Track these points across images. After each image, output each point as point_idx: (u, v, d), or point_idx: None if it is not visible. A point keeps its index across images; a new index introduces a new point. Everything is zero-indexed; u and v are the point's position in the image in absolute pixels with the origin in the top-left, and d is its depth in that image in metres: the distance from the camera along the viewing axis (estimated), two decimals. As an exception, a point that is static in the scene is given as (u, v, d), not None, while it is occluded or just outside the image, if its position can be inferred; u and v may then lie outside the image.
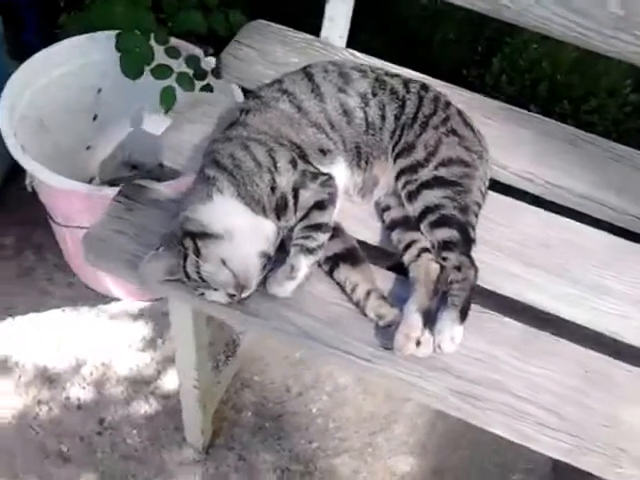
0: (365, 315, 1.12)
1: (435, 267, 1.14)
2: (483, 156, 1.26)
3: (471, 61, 2.02)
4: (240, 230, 1.09)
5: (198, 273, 1.07)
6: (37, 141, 1.75)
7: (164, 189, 1.24)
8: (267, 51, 1.50)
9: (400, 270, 1.19)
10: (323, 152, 1.20)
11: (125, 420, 1.70)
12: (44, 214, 1.78)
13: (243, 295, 1.08)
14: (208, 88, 1.64)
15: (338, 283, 1.14)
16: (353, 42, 1.59)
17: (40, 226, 1.88)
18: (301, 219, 1.13)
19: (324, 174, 1.17)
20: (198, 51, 1.72)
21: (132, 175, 2.03)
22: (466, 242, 1.15)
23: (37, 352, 1.78)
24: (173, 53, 1.66)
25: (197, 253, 1.06)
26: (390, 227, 1.22)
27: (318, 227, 1.12)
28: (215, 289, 1.08)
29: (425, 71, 1.48)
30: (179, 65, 1.66)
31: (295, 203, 1.13)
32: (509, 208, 1.29)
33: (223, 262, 1.06)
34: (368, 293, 1.12)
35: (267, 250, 1.11)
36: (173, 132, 1.33)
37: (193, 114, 1.36)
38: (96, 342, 1.80)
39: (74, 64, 1.80)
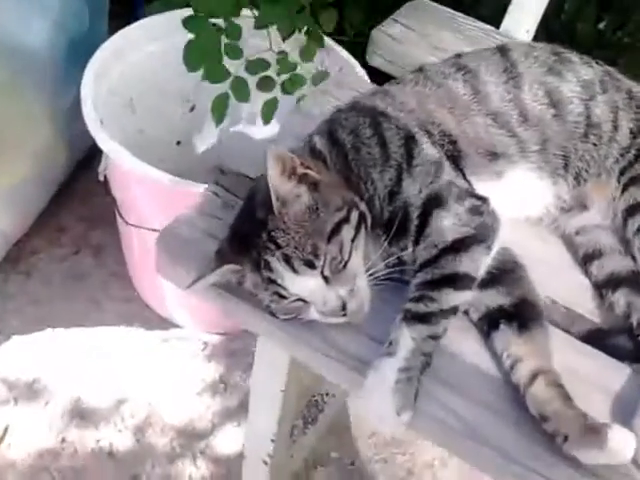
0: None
1: None
2: None
3: None
4: None
5: None
6: (121, 123, 1.50)
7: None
8: (428, 33, 1.23)
9: (604, 343, 0.81)
10: (492, 155, 0.85)
11: (164, 483, 1.34)
12: (111, 211, 1.50)
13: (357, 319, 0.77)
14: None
15: (494, 353, 0.78)
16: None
17: (103, 225, 1.64)
18: (424, 264, 0.76)
19: (479, 197, 0.80)
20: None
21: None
22: None
23: (72, 377, 1.47)
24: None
25: None
26: (606, 283, 0.85)
27: (447, 280, 0.76)
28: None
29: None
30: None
31: (420, 228, 0.78)
32: None
33: None
34: (534, 376, 0.74)
35: (371, 267, 0.78)
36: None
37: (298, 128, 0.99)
38: (145, 376, 1.48)
39: (175, 40, 1.48)
